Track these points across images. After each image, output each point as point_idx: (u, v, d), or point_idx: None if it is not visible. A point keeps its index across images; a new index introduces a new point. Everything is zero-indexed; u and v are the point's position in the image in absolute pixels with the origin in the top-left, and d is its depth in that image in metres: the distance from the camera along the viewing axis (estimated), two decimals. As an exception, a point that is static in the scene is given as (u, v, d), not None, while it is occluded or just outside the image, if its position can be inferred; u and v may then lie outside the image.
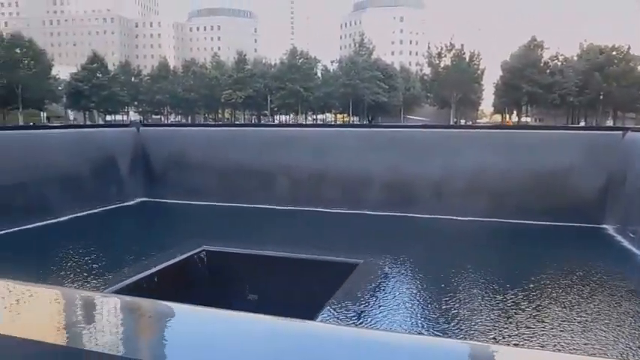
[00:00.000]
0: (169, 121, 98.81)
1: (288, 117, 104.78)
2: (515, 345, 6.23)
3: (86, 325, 1.49)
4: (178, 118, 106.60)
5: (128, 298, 1.71)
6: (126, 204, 16.09)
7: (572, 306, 7.60)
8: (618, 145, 12.99)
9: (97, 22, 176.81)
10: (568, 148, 13.70)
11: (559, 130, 16.98)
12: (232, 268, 10.04)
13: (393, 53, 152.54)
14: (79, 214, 14.06)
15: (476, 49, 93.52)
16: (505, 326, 6.83)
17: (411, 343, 1.47)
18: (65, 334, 1.43)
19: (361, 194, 14.91)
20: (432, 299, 8.01)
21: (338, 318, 6.79)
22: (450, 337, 6.51)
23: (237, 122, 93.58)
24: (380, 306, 7.42)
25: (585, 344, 6.31)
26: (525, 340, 6.38)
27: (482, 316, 7.19)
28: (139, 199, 16.61)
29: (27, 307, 1.66)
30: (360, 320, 6.85)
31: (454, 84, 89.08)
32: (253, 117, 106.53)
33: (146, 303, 1.69)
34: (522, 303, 7.64)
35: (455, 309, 7.44)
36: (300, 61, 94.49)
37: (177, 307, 1.54)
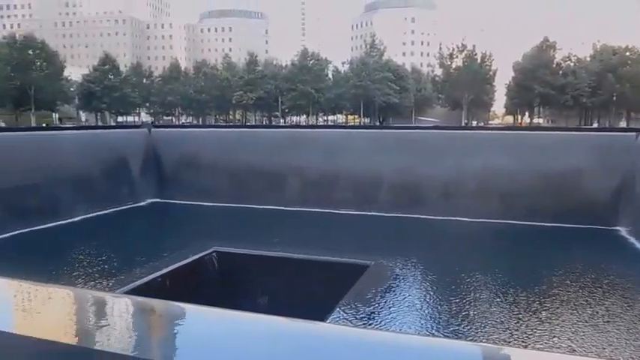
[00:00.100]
0: (180, 123, 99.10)
1: (299, 118, 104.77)
2: (526, 347, 6.20)
3: (98, 325, 1.50)
4: (189, 119, 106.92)
5: (139, 299, 1.73)
6: (137, 205, 16.16)
7: (584, 308, 7.55)
8: (632, 147, 12.89)
9: (108, 24, 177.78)
10: (580, 150, 13.61)
11: (571, 131, 16.89)
12: (243, 269, 10.05)
13: (404, 54, 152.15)
14: (90, 215, 14.14)
15: (488, 49, 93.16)
16: (516, 328, 6.80)
17: (421, 345, 1.47)
18: (77, 333, 1.45)
19: (372, 195, 14.88)
20: (442, 301, 7.99)
21: (348, 319, 6.79)
22: (460, 338, 6.49)
23: (248, 123, 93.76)
24: (391, 308, 7.41)
25: (597, 347, 6.26)
26: (536, 342, 6.35)
27: (492, 317, 7.16)
28: (150, 200, 16.68)
29: (40, 307, 1.67)
30: (371, 322, 6.84)
31: (466, 85, 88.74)
32: (264, 118, 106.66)
33: (157, 303, 1.70)
34: (533, 305, 7.60)
35: (465, 310, 7.41)
36: (311, 62, 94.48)
37: (187, 307, 1.55)
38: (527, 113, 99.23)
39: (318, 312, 7.00)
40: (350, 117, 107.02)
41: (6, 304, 1.72)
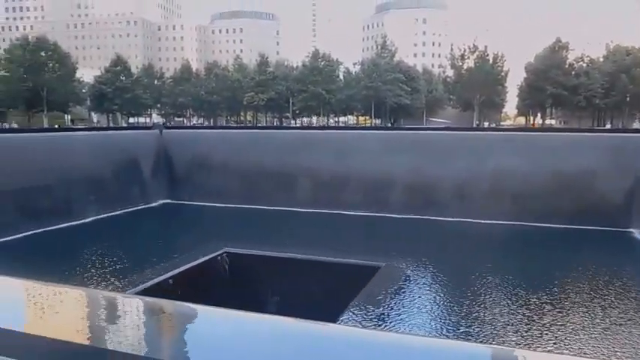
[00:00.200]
0: (192, 124, 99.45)
1: (310, 119, 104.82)
2: (538, 349, 6.16)
3: (110, 326, 1.51)
4: (201, 120, 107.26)
5: (150, 299, 1.73)
6: (149, 206, 16.23)
7: (597, 311, 7.50)
8: (645, 148, 12.81)
9: (120, 26, 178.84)
10: (593, 151, 13.53)
11: (584, 132, 16.79)
12: (253, 271, 10.07)
13: (415, 55, 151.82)
14: (102, 216, 14.22)
15: (500, 50, 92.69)
16: (527, 330, 6.77)
17: (432, 347, 1.47)
18: (89, 334, 1.46)
19: (383, 197, 14.86)
20: (453, 302, 7.96)
21: (359, 321, 6.78)
22: (471, 340, 6.47)
23: (259, 125, 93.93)
24: (401, 309, 7.40)
25: (608, 349, 6.22)
26: (548, 344, 6.32)
27: (503, 319, 7.13)
28: (161, 201, 16.75)
29: (52, 308, 1.69)
30: (382, 323, 6.83)
31: (477, 86, 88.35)
32: (275, 119, 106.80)
33: (167, 304, 1.71)
34: (545, 307, 7.56)
35: (476, 312, 7.39)
36: (322, 63, 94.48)
37: (198, 308, 1.55)
38: (539, 114, 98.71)
39: (329, 313, 7.00)
40: (361, 118, 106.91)
41: (19, 304, 1.73)
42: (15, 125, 77.36)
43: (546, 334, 6.63)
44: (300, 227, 14.12)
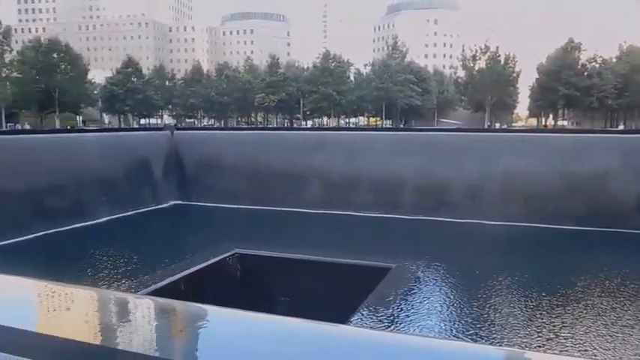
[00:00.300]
0: (202, 125, 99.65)
1: (320, 120, 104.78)
2: (549, 351, 6.13)
3: (121, 326, 1.52)
4: (211, 121, 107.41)
5: (161, 300, 1.74)
6: (160, 207, 16.30)
7: (609, 313, 7.45)
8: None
9: (131, 27, 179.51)
10: (606, 152, 13.44)
11: (597, 133, 16.69)
12: (264, 271, 10.09)
13: (426, 56, 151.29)
14: (115, 216, 14.29)
15: (511, 51, 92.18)
16: (538, 332, 6.73)
17: (442, 348, 1.47)
18: (101, 334, 1.47)
19: (394, 198, 14.84)
20: (464, 304, 7.93)
21: (370, 322, 6.77)
22: (481, 342, 6.44)
23: (270, 126, 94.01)
24: (412, 311, 7.38)
25: (620, 352, 6.17)
26: (558, 346, 6.28)
27: (514, 321, 7.10)
28: (172, 202, 16.81)
29: (64, 308, 1.70)
30: (392, 324, 6.81)
31: (489, 87, 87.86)
32: (286, 120, 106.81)
33: (178, 304, 1.72)
34: (557, 309, 7.52)
35: (487, 314, 7.36)
36: (332, 64, 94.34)
37: (208, 308, 1.56)
38: (551, 115, 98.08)
39: (340, 314, 7.00)
40: (372, 119, 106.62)
41: (31, 304, 1.75)
42: (27, 126, 77.85)
43: (558, 335, 6.59)
44: (310, 228, 14.12)
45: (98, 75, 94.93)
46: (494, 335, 6.62)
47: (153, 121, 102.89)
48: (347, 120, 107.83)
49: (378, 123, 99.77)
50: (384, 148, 15.46)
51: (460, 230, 13.42)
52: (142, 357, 1.24)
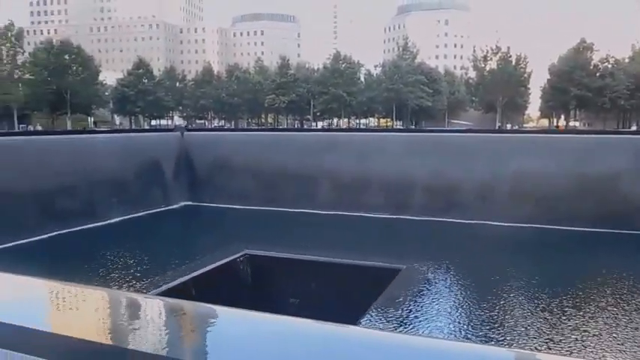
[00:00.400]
0: (213, 126, 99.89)
1: (330, 121, 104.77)
2: (559, 353, 6.10)
3: (131, 326, 1.53)
4: (222, 122, 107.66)
5: (171, 300, 1.75)
6: (170, 207, 16.35)
7: (621, 316, 7.39)
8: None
9: (142, 29, 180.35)
10: (619, 153, 13.35)
11: (609, 134, 16.58)
12: (274, 272, 10.10)
13: (437, 57, 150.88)
14: (126, 217, 14.35)
15: (522, 51, 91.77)
16: (549, 334, 6.69)
17: (452, 350, 1.47)
18: (111, 333, 1.47)
19: (404, 199, 14.81)
20: (474, 306, 7.90)
21: (380, 323, 6.77)
22: (492, 344, 6.41)
23: (280, 127, 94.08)
24: (422, 312, 7.36)
25: (634, 355, 6.13)
26: (569, 348, 6.24)
27: (525, 323, 7.06)
28: (183, 203, 16.86)
29: (76, 308, 1.71)
30: (402, 326, 6.80)
31: (500, 88, 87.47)
32: (296, 122, 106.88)
33: (189, 305, 1.73)
34: (568, 311, 7.48)
35: (497, 316, 7.33)
36: (343, 65, 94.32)
37: (218, 309, 1.56)
38: (562, 116, 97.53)
39: (350, 315, 6.99)
40: (382, 120, 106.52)
41: (44, 305, 1.76)
42: (39, 128, 78.39)
43: (569, 337, 6.55)
44: (320, 229, 14.12)
45: (109, 76, 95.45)
46: (504, 337, 6.59)
47: (163, 122, 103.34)
48: (357, 121, 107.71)
49: (389, 124, 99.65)
50: (394, 149, 15.44)
51: (470, 231, 13.37)
52: (152, 357, 1.25)
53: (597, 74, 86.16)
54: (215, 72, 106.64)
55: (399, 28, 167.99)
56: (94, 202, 13.98)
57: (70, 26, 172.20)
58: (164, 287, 8.19)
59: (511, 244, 12.48)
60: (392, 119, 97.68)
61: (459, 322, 7.20)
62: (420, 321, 7.05)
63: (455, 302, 8.14)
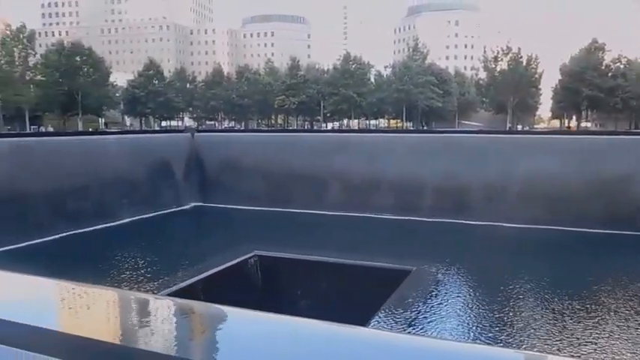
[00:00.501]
0: (223, 127, 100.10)
1: (341, 122, 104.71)
2: (570, 355, 6.06)
3: (142, 326, 1.54)
4: (232, 123, 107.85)
5: (180, 301, 1.75)
6: (181, 208, 16.40)
7: (633, 317, 7.34)
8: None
9: (153, 30, 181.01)
10: (631, 154, 13.25)
11: (621, 135, 16.47)
12: (283, 273, 10.10)
13: (447, 58, 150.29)
14: (137, 218, 14.41)
15: (533, 52, 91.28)
16: (560, 336, 6.66)
17: (462, 351, 1.46)
18: (122, 333, 1.48)
19: (414, 200, 14.77)
20: (484, 307, 7.87)
21: (390, 324, 6.75)
22: (501, 345, 6.39)
23: (290, 128, 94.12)
24: (432, 313, 7.34)
25: (646, 357, 6.09)
26: (580, 350, 6.20)
27: (536, 325, 7.03)
28: (193, 204, 16.91)
29: (87, 308, 1.72)
30: (412, 327, 6.78)
31: (511, 88, 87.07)
32: (306, 123, 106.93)
33: (199, 305, 1.73)
34: (579, 313, 7.43)
35: (508, 317, 7.30)
36: (353, 66, 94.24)
37: (228, 310, 1.56)
38: (574, 117, 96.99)
39: (360, 316, 6.98)
40: (392, 121, 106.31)
41: (55, 304, 1.77)
42: (51, 129, 78.89)
43: (580, 339, 6.52)
44: (330, 230, 14.11)
45: (120, 78, 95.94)
46: (515, 338, 6.56)
47: (174, 123, 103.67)
48: (367, 122, 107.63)
49: (399, 125, 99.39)
50: (404, 151, 15.41)
51: (480, 233, 13.32)
52: (163, 357, 1.25)
53: (609, 74, 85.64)
54: (225, 73, 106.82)
55: (409, 28, 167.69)
56: (105, 202, 14.05)
57: (81, 28, 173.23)
58: (175, 287, 8.21)
59: (521, 245, 12.42)
60: (402, 120, 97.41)
61: (469, 324, 7.18)
62: (430, 322, 7.03)
63: (465, 303, 8.11)
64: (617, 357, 6.10)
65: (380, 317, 6.93)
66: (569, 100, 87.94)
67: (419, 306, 7.51)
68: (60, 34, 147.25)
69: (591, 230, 12.59)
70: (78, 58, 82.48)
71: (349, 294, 9.49)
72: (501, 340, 6.54)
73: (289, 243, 11.93)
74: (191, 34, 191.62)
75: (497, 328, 6.94)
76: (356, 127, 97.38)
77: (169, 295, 7.78)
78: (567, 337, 6.60)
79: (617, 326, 7.05)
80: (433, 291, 8.35)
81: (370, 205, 14.99)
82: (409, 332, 6.63)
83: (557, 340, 6.53)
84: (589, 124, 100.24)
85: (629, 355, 6.16)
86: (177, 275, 8.89)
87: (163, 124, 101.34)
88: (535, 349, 6.25)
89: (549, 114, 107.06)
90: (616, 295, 8.41)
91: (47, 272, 1.89)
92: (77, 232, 12.43)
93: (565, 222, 12.95)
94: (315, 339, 1.46)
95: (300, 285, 10.01)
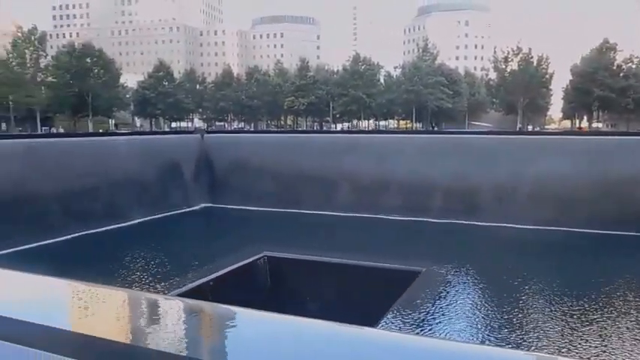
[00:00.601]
0: (232, 128, 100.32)
1: (350, 124, 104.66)
2: (580, 357, 6.02)
3: (152, 326, 1.55)
4: (241, 124, 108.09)
5: (190, 301, 1.76)
6: (190, 209, 16.45)
7: (644, 319, 7.29)
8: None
9: (163, 32, 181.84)
10: (640, 155, 13.17)
11: (632, 136, 16.36)
12: (293, 274, 10.11)
13: (457, 58, 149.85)
14: (147, 219, 14.47)
15: (544, 52, 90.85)
16: (570, 338, 6.62)
17: (471, 353, 1.46)
18: (132, 333, 1.49)
19: (423, 201, 14.73)
20: (494, 309, 7.84)
21: (399, 325, 6.75)
22: (512, 347, 6.36)
23: (300, 129, 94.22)
24: (441, 314, 7.33)
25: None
26: (591, 353, 6.17)
27: (545, 326, 6.99)
28: (202, 205, 16.95)
29: (97, 308, 1.73)
30: (421, 328, 6.77)
31: (521, 89, 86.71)
32: (315, 124, 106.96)
33: (208, 306, 1.74)
34: (589, 315, 7.39)
35: (517, 319, 7.27)
36: (362, 67, 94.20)
37: (237, 310, 1.57)
38: (585, 117, 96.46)
39: (369, 317, 6.98)
40: (402, 122, 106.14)
41: (66, 304, 1.79)
42: (61, 130, 79.39)
43: (590, 342, 6.48)
44: (339, 231, 14.11)
45: (130, 79, 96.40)
46: (524, 340, 6.53)
47: (184, 124, 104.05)
48: (376, 123, 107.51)
49: (408, 126, 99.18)
50: (414, 152, 15.38)
51: (490, 234, 13.27)
52: (172, 356, 1.26)
53: (621, 75, 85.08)
54: (235, 74, 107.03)
55: (419, 29, 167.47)
56: (115, 203, 14.12)
57: (91, 30, 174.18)
58: (185, 288, 8.24)
59: (532, 246, 12.36)
60: (412, 121, 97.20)
61: (479, 325, 7.16)
62: (439, 323, 7.01)
63: (474, 305, 8.09)
64: (629, 358, 6.06)
65: (389, 318, 6.93)
66: (581, 100, 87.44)
67: (428, 307, 7.50)
68: (71, 36, 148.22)
69: (602, 232, 12.51)
70: (88, 60, 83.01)
71: (358, 295, 9.48)
72: (511, 341, 6.52)
73: (298, 244, 11.94)
74: (201, 35, 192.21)
75: (506, 330, 6.92)
76: (365, 128, 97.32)
77: (179, 295, 7.81)
78: (578, 339, 6.57)
79: (628, 328, 7.00)
80: (442, 292, 8.33)
81: (379, 206, 14.97)
82: (418, 333, 6.61)
83: (566, 342, 6.49)
84: (600, 125, 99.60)
85: (636, 355, 6.12)
86: (186, 276, 8.92)
87: (173, 125, 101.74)
88: (544, 351, 6.22)
89: (560, 115, 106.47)
90: (627, 297, 8.36)
91: (60, 272, 1.91)
92: (88, 233, 12.49)
93: (576, 223, 12.87)
94: (323, 340, 1.46)
95: (309, 286, 10.02)
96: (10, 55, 75.00)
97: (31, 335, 1.41)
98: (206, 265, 9.62)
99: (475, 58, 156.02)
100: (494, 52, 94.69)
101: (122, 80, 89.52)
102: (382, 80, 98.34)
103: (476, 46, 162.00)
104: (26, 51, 75.98)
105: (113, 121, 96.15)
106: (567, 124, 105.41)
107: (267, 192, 16.43)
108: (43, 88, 78.07)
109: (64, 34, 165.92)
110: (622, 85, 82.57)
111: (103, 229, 13.01)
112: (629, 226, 12.44)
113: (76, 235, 12.21)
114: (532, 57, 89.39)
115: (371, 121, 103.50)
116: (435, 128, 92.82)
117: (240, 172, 17.08)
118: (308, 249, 11.00)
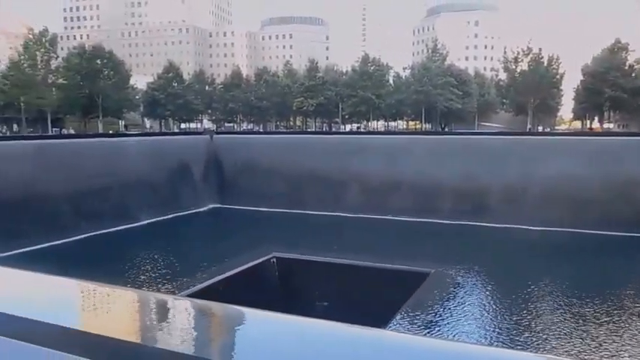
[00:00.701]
0: (242, 129, 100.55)
1: (359, 125, 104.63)
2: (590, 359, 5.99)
3: (161, 326, 1.56)
4: (250, 125, 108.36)
5: (199, 301, 1.77)
6: (199, 210, 16.49)
7: (656, 322, 7.24)
8: None
9: (172, 33, 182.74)
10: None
11: (642, 136, 16.24)
12: (302, 275, 10.12)
13: (467, 58, 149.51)
14: (156, 219, 14.52)
15: (554, 52, 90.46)
16: (581, 340, 6.59)
17: (480, 354, 1.46)
18: (141, 333, 1.50)
19: (433, 202, 14.70)
20: (504, 311, 7.81)
21: (409, 326, 6.74)
22: (522, 349, 6.34)
23: (309, 130, 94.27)
24: (451, 316, 7.31)
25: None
26: (603, 355, 6.13)
27: (556, 328, 6.96)
28: (211, 206, 16.99)
29: (106, 307, 1.75)
30: (431, 330, 6.76)
31: (531, 89, 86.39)
32: (324, 125, 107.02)
33: (217, 306, 1.75)
34: (600, 318, 7.34)
35: (528, 321, 7.24)
36: (371, 68, 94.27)
37: (246, 311, 1.58)
38: (596, 118, 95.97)
39: (378, 319, 6.98)
40: (411, 123, 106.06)
41: (77, 304, 1.80)
42: (72, 131, 79.91)
43: (601, 344, 6.44)
44: (348, 232, 14.10)
45: (140, 80, 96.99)
46: (534, 342, 6.50)
47: (193, 125, 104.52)
48: (386, 124, 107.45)
49: (418, 127, 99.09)
50: (423, 153, 15.35)
51: (500, 235, 13.21)
52: (181, 356, 1.27)
53: (633, 75, 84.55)
54: (244, 75, 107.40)
55: (428, 29, 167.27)
56: (125, 204, 14.18)
57: (102, 31, 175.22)
58: (194, 288, 8.27)
59: (542, 248, 12.30)
60: (421, 122, 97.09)
61: (488, 327, 7.13)
62: (448, 325, 7.00)
63: (484, 307, 8.06)
64: (639, 361, 6.03)
65: (397, 320, 6.92)
66: (592, 100, 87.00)
67: (437, 309, 7.49)
68: (81, 38, 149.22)
69: (614, 233, 12.43)
70: (99, 61, 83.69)
71: (367, 296, 9.48)
72: (521, 342, 6.49)
73: (308, 244, 11.94)
74: (210, 36, 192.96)
75: (518, 332, 6.89)
76: (375, 129, 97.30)
77: (189, 295, 7.84)
78: (589, 341, 6.53)
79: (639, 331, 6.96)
80: (452, 294, 8.31)
81: (388, 207, 14.95)
82: (428, 334, 6.60)
83: (578, 344, 6.46)
84: (612, 126, 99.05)
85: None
86: (195, 276, 8.95)
87: (182, 126, 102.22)
88: (554, 353, 6.20)
89: (571, 115, 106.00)
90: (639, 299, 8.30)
91: (70, 271, 1.92)
92: (98, 233, 12.56)
93: (587, 224, 12.79)
94: (332, 340, 1.47)
95: (319, 286, 10.03)
96: (22, 57, 75.70)
97: (44, 334, 1.43)
98: (215, 265, 9.64)
99: (485, 58, 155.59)
100: (504, 52, 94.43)
101: (132, 82, 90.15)
102: (391, 81, 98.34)
103: (485, 47, 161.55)
104: (37, 53, 76.63)
105: (123, 122, 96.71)
106: (578, 124, 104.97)
107: (276, 193, 16.44)
108: (53, 89, 78.69)
109: (74, 35, 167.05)
110: (634, 86, 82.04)
111: (114, 229, 13.07)
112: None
113: (87, 235, 12.28)
114: (542, 57, 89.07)
115: (380, 122, 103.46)
116: (445, 129, 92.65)
117: (249, 173, 17.10)
118: (317, 250, 11.00)
